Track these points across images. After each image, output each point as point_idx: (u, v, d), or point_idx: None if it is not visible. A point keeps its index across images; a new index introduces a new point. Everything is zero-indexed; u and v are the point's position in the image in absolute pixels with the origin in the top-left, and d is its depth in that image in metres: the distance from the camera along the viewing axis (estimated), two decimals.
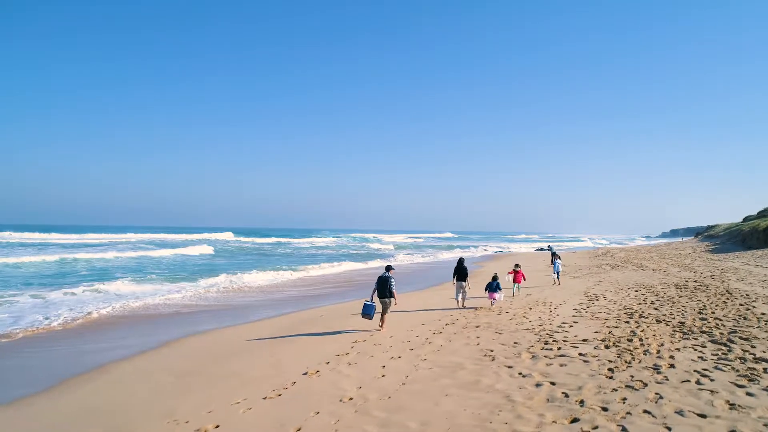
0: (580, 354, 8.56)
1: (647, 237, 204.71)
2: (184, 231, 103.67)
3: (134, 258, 39.05)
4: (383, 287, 12.03)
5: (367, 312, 11.70)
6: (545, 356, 8.55)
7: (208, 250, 51.93)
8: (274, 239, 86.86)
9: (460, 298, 15.16)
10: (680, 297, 15.12)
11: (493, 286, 15.48)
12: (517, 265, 18.70)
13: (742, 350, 8.41)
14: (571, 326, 11.14)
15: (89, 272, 28.50)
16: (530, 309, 14.12)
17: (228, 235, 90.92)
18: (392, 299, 12.03)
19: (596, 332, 10.33)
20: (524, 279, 17.94)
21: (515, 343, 9.72)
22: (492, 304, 15.33)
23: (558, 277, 21.57)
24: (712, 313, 12.12)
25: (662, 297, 15.29)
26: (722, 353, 8.29)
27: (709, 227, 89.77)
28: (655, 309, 13.05)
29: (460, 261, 15.61)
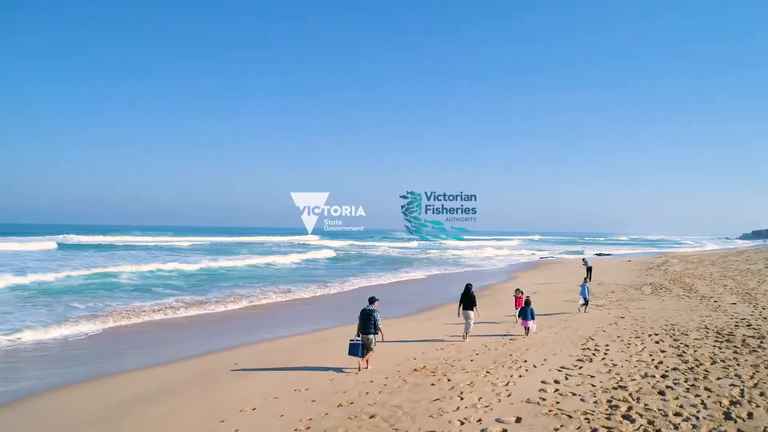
0: None
1: (726, 239, 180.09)
2: (256, 233, 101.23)
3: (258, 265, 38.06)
4: (367, 322, 10.38)
5: (354, 352, 10.28)
6: None
7: (331, 254, 52.98)
8: (351, 242, 79.54)
9: (469, 330, 12.96)
10: (713, 363, 9.92)
11: (527, 313, 13.07)
12: (518, 290, 15.70)
13: None
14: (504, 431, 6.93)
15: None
16: (488, 373, 9.85)
17: (314, 238, 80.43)
18: (375, 335, 10.43)
19: None
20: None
21: None
22: (526, 333, 13.12)
23: (585, 306, 17.04)
24: (749, 416, 7.19)
25: (687, 360, 10.18)
26: None
27: None
28: (659, 393, 8.20)
29: (467, 288, 13.05)
